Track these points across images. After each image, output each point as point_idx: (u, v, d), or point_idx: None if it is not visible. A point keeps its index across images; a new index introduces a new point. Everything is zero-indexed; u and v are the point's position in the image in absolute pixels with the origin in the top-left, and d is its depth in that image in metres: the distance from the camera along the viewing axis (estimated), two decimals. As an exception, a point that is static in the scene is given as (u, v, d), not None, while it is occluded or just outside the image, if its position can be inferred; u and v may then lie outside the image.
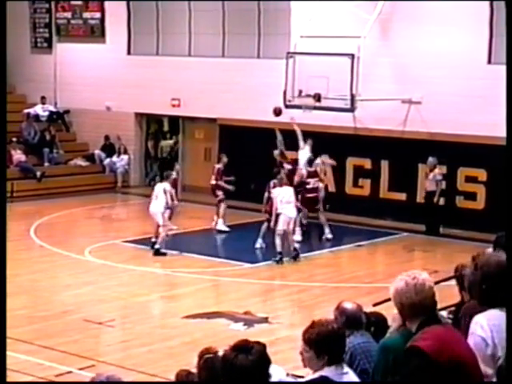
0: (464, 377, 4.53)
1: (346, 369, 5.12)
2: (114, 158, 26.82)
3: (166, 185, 18.35)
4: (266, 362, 4.37)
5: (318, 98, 20.84)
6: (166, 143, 28.11)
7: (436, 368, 4.46)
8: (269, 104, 22.45)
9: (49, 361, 11.41)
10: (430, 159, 20.51)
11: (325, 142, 22.66)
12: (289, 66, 21.26)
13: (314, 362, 4.97)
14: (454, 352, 4.56)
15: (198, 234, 20.76)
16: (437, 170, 20.43)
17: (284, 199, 17.18)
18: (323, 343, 4.92)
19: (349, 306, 6.34)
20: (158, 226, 18.04)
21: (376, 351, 5.34)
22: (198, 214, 22.87)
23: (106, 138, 26.82)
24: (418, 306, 4.71)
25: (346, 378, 4.96)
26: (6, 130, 21.79)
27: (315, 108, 20.98)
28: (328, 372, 4.89)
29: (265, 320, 13.59)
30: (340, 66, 20.30)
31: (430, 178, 20.46)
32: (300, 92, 21.19)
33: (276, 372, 5.06)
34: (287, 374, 5.80)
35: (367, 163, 22.48)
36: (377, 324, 6.53)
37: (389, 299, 5.47)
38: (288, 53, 21.65)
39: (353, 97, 20.50)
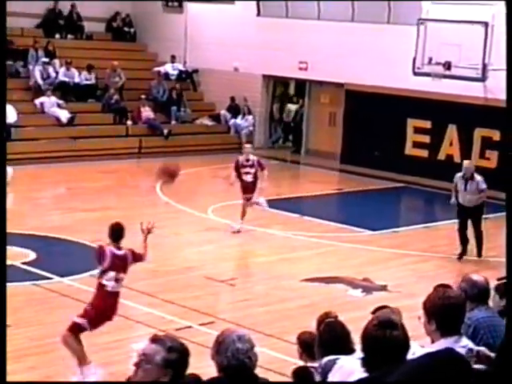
0: None
1: (466, 342, 5.04)
2: (239, 120, 27.05)
3: None
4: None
5: (448, 66, 20.47)
6: (292, 106, 28.14)
7: None
8: (398, 71, 22.17)
9: (170, 315, 11.71)
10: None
11: (453, 111, 22.26)
12: (420, 33, 20.91)
13: (427, 328, 4.99)
14: None
15: (319, 198, 20.83)
16: None
17: None
18: (432, 308, 4.95)
19: (478, 278, 6.25)
20: None
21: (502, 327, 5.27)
22: (321, 179, 22.97)
23: (232, 99, 27.05)
24: None
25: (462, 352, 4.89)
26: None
27: (445, 76, 20.62)
28: (445, 343, 4.81)
29: (383, 288, 13.55)
30: (473, 33, 19.86)
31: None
32: (430, 59, 20.84)
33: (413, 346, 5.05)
34: None
35: (496, 135, 21.96)
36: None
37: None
38: (419, 19, 21.25)
39: (485, 66, 20.04)
